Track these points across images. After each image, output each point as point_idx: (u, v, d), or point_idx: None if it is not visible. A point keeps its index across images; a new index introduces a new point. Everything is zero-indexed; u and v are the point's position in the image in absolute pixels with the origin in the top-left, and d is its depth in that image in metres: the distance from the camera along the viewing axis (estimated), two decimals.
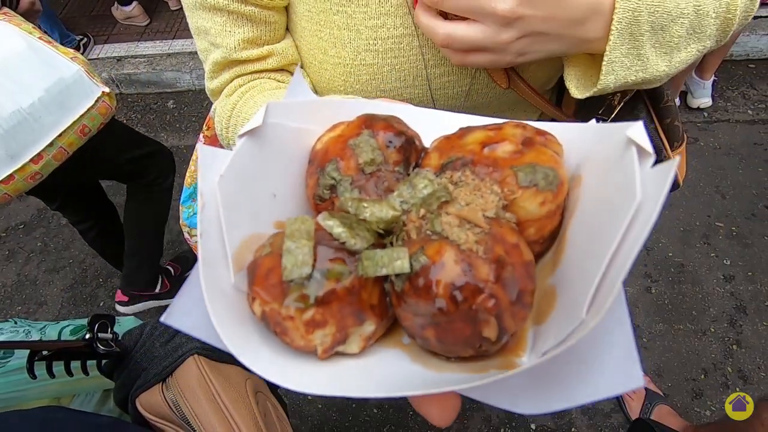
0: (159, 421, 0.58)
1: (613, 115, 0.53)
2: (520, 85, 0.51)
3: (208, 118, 0.74)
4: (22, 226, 2.05)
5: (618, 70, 0.41)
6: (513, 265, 0.23)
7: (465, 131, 0.30)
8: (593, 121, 0.30)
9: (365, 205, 0.27)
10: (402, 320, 0.26)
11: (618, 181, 0.24)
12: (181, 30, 2.57)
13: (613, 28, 0.38)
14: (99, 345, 0.57)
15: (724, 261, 1.73)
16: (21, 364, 0.73)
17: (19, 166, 0.96)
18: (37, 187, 1.04)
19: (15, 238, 2.01)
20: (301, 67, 0.55)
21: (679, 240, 1.80)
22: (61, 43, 2.33)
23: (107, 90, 1.03)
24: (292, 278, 0.24)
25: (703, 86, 2.09)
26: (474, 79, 0.52)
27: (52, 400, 0.75)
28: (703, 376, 1.50)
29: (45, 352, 0.57)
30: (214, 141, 0.74)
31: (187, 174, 0.80)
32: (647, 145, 0.23)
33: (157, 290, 1.66)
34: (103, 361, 0.61)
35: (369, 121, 0.30)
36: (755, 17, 2.20)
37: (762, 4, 2.21)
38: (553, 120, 0.57)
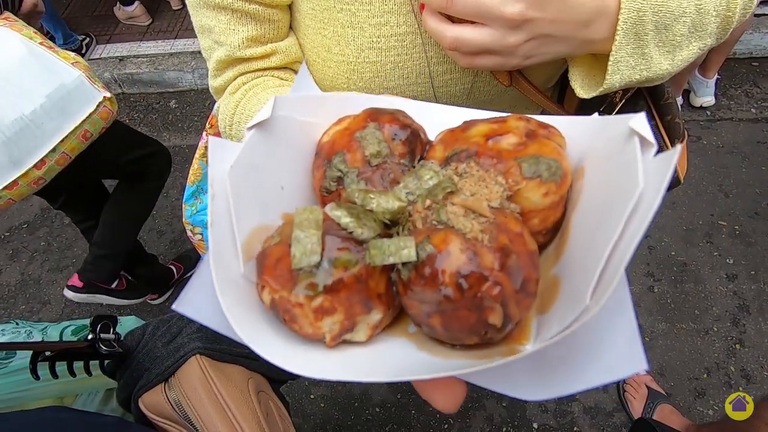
0: (162, 420, 0.58)
1: (614, 113, 0.53)
2: (522, 83, 0.51)
3: (211, 116, 0.74)
4: (25, 225, 2.06)
5: (623, 70, 0.41)
6: (517, 253, 0.24)
7: (469, 124, 0.30)
8: (595, 114, 0.30)
9: (372, 196, 0.28)
10: (408, 308, 0.26)
11: (620, 171, 0.24)
12: (183, 30, 2.58)
13: (618, 28, 0.39)
14: (101, 345, 0.58)
15: (727, 260, 1.73)
16: (23, 365, 0.73)
17: (22, 172, 0.96)
18: None
19: (19, 238, 2.02)
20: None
21: (681, 239, 1.79)
22: (64, 43, 2.36)
23: (108, 95, 1.04)
24: (301, 266, 0.25)
25: (706, 85, 2.09)
26: (476, 77, 0.52)
27: (55, 400, 0.75)
28: (705, 376, 1.50)
29: (48, 353, 0.57)
30: None
31: (191, 173, 0.80)
32: (649, 136, 0.24)
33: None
34: (106, 362, 0.62)
35: (375, 115, 0.31)
36: (759, 15, 2.19)
37: (762, 2, 2.20)
38: None
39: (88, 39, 2.52)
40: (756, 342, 1.55)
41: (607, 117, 0.28)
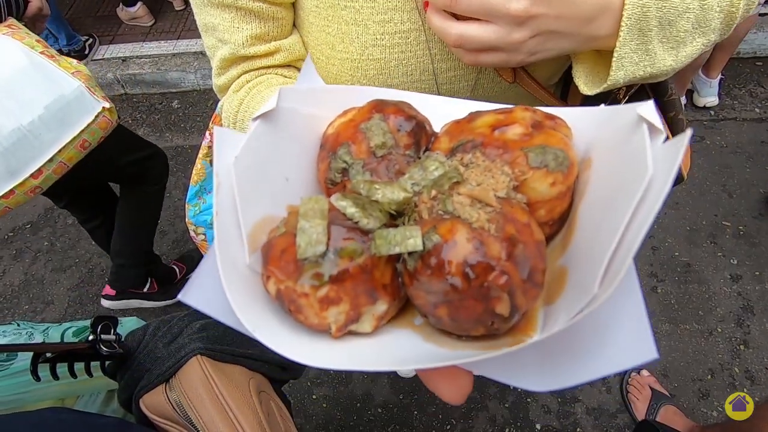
0: (163, 421, 0.58)
1: None
2: (526, 80, 0.51)
3: (214, 115, 0.74)
4: (29, 225, 2.07)
5: (627, 66, 0.41)
6: (524, 243, 0.24)
7: (474, 115, 0.30)
8: (602, 105, 0.30)
9: (377, 187, 0.28)
10: (414, 299, 0.26)
11: (629, 159, 0.24)
12: (186, 30, 2.58)
13: (622, 24, 0.39)
14: (102, 346, 0.58)
15: (731, 260, 1.72)
16: (24, 366, 0.73)
17: (19, 181, 0.97)
18: None
19: (22, 238, 2.03)
20: None
21: (685, 239, 1.79)
22: (68, 44, 2.37)
23: (108, 105, 1.04)
24: (306, 256, 0.25)
25: (710, 85, 2.08)
26: (480, 73, 0.52)
27: (56, 401, 0.76)
28: (709, 377, 1.49)
29: (48, 355, 0.57)
30: None
31: (194, 173, 0.80)
32: (658, 123, 0.24)
33: (145, 290, 1.67)
34: (107, 363, 0.62)
35: (380, 106, 0.31)
36: (763, 14, 2.17)
37: (766, 1, 2.18)
38: None
39: (91, 40, 2.53)
40: (760, 343, 1.54)
41: (614, 107, 0.28)
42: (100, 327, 0.59)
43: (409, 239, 0.24)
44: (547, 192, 0.26)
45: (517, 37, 0.39)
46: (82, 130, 1.01)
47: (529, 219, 0.25)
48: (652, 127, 0.24)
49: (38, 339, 0.83)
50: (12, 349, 0.72)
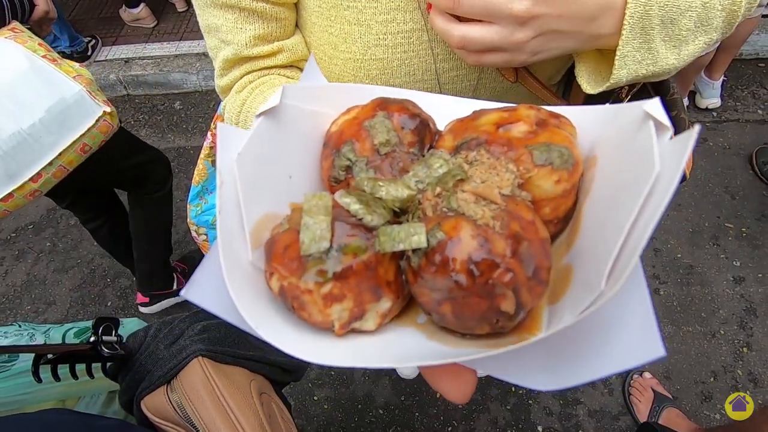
0: (164, 423, 0.58)
1: None
2: (528, 79, 0.51)
3: (216, 115, 0.74)
4: (31, 226, 2.07)
5: (630, 64, 0.41)
6: (529, 241, 0.23)
7: (479, 113, 0.30)
8: (606, 104, 0.30)
9: (381, 184, 0.27)
10: (418, 296, 0.26)
11: (635, 156, 0.24)
12: (188, 32, 2.59)
13: (625, 22, 0.39)
14: (103, 348, 0.58)
15: (734, 262, 1.71)
16: (26, 367, 0.73)
17: (18, 185, 0.97)
18: None
19: (24, 238, 2.03)
20: None
21: (687, 241, 1.78)
22: (70, 45, 2.37)
23: (108, 109, 1.04)
24: (310, 253, 0.25)
25: (712, 86, 2.07)
26: (482, 73, 0.52)
27: (58, 402, 0.76)
28: (712, 379, 1.48)
29: (50, 356, 0.57)
30: None
31: (195, 173, 0.80)
32: (665, 119, 0.23)
33: (174, 287, 1.70)
34: (108, 364, 0.61)
35: (384, 104, 0.31)
36: (765, 16, 2.17)
37: None
38: None
39: (93, 41, 2.53)
40: (763, 345, 1.53)
41: (618, 105, 0.28)
42: (101, 328, 0.59)
43: (413, 236, 0.24)
44: (552, 190, 0.26)
45: (519, 37, 0.39)
46: (83, 134, 1.01)
47: (533, 216, 0.25)
48: (658, 124, 0.24)
49: (39, 340, 0.83)
50: (14, 350, 0.72)
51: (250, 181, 0.28)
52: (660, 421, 1.35)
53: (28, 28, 1.09)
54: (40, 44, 1.01)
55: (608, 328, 0.22)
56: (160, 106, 2.48)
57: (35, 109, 0.95)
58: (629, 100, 0.53)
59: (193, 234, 0.83)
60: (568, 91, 0.61)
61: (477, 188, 0.25)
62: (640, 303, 0.22)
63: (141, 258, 1.58)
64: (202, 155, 0.79)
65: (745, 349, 1.53)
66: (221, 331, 0.62)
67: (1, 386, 0.71)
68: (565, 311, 0.23)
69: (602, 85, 0.44)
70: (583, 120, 0.29)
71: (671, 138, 0.23)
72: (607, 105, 0.29)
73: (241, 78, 0.54)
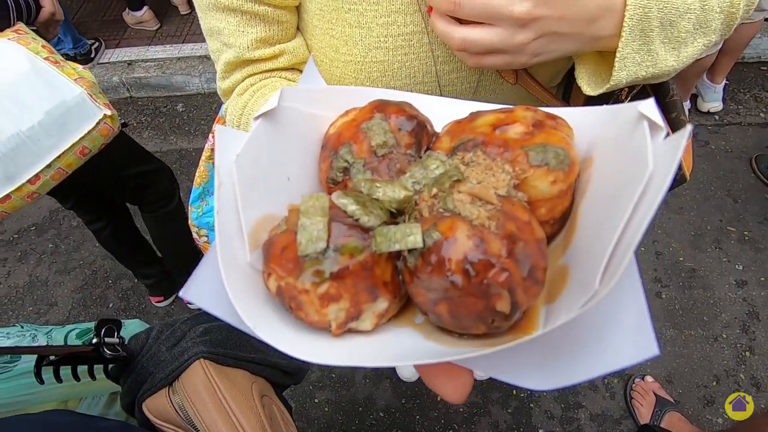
0: (165, 425, 0.58)
1: None
2: (528, 81, 0.51)
3: (218, 117, 0.75)
4: (33, 227, 2.08)
5: (630, 66, 0.41)
6: (525, 241, 0.24)
7: (475, 115, 0.30)
8: (603, 105, 0.30)
9: (378, 185, 0.28)
10: (415, 296, 0.26)
11: (630, 156, 0.24)
12: (191, 34, 2.60)
13: (625, 24, 0.39)
14: (106, 350, 0.58)
15: (736, 266, 1.71)
16: (28, 368, 0.73)
17: (15, 186, 0.97)
18: None
19: (27, 240, 2.04)
20: None
21: (690, 244, 1.78)
22: (73, 47, 2.38)
23: (109, 113, 1.04)
24: (307, 253, 0.25)
25: (714, 90, 2.07)
26: (482, 75, 0.52)
27: (60, 403, 0.76)
28: (714, 383, 1.48)
29: (52, 357, 0.57)
30: None
31: (197, 174, 0.80)
32: (659, 120, 0.24)
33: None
34: (110, 366, 0.62)
35: (381, 106, 0.31)
36: (767, 19, 2.17)
37: None
38: None
39: (97, 44, 2.55)
40: (766, 349, 1.52)
41: (614, 106, 0.28)
42: (103, 330, 0.59)
43: (409, 236, 0.24)
44: (548, 190, 0.26)
45: (520, 39, 0.39)
46: (82, 137, 1.01)
47: (529, 217, 0.25)
48: (652, 124, 0.24)
49: (42, 341, 0.83)
50: (16, 351, 0.72)
51: (249, 182, 0.28)
52: (662, 425, 1.35)
53: (34, 30, 1.10)
54: (43, 46, 1.01)
55: (603, 327, 0.22)
56: (163, 109, 2.49)
57: (35, 111, 0.95)
58: (629, 102, 0.54)
59: (194, 236, 0.83)
60: (568, 92, 0.61)
61: (473, 189, 0.25)
62: (635, 302, 0.22)
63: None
64: (203, 157, 0.80)
65: (747, 353, 1.52)
66: (223, 334, 0.62)
67: (4, 387, 0.72)
68: (561, 311, 0.24)
69: (602, 86, 0.44)
70: (580, 121, 0.29)
71: (665, 138, 0.23)
72: (604, 106, 0.29)
73: (242, 81, 0.54)
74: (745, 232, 1.79)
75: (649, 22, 0.39)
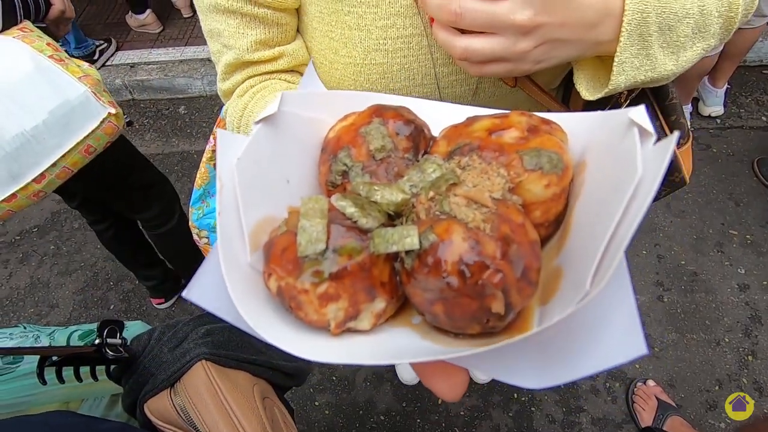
0: (167, 426, 0.58)
1: None
2: (528, 84, 0.51)
3: (218, 119, 0.75)
4: (35, 229, 2.08)
5: (628, 71, 0.42)
6: (519, 243, 0.24)
7: (472, 120, 0.31)
8: (597, 110, 0.31)
9: (376, 188, 0.28)
10: (412, 297, 0.27)
11: (620, 161, 0.25)
12: (193, 37, 2.61)
13: (623, 29, 0.39)
14: (108, 350, 0.58)
15: (739, 270, 1.70)
16: (31, 369, 0.73)
17: (21, 185, 0.97)
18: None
19: (29, 241, 2.04)
20: None
21: (691, 248, 1.77)
22: (76, 47, 2.38)
23: (114, 111, 1.04)
24: (306, 254, 0.25)
25: (716, 94, 2.07)
26: (482, 78, 0.52)
27: (61, 404, 0.76)
28: (717, 388, 1.47)
29: (55, 358, 0.57)
30: None
31: (197, 176, 0.81)
32: (648, 126, 0.24)
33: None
34: (112, 367, 0.62)
35: (379, 111, 0.32)
36: None
37: None
38: None
39: (104, 44, 2.56)
40: None
41: (607, 112, 0.29)
42: (106, 331, 0.59)
43: (406, 238, 0.25)
44: (542, 193, 0.27)
45: (522, 47, 0.39)
46: (87, 136, 1.01)
47: (524, 219, 0.26)
48: (642, 131, 0.25)
49: (44, 342, 0.83)
50: (19, 352, 0.72)
51: (249, 185, 0.29)
52: (664, 430, 1.34)
53: (43, 28, 1.09)
54: (48, 44, 1.01)
55: (594, 327, 0.23)
56: (165, 111, 2.50)
57: (39, 110, 0.95)
58: (628, 105, 0.54)
59: (195, 237, 0.84)
60: (567, 95, 0.61)
61: (468, 192, 0.26)
62: (625, 302, 0.22)
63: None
64: (204, 159, 0.80)
65: (750, 357, 1.52)
66: (225, 335, 0.62)
67: (6, 388, 0.72)
68: (554, 312, 0.24)
69: (601, 91, 0.44)
70: (575, 126, 0.30)
71: (655, 144, 0.24)
72: (598, 112, 0.30)
73: (242, 82, 0.54)
74: (747, 236, 1.78)
75: (648, 27, 0.40)
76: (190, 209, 0.83)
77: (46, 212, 2.12)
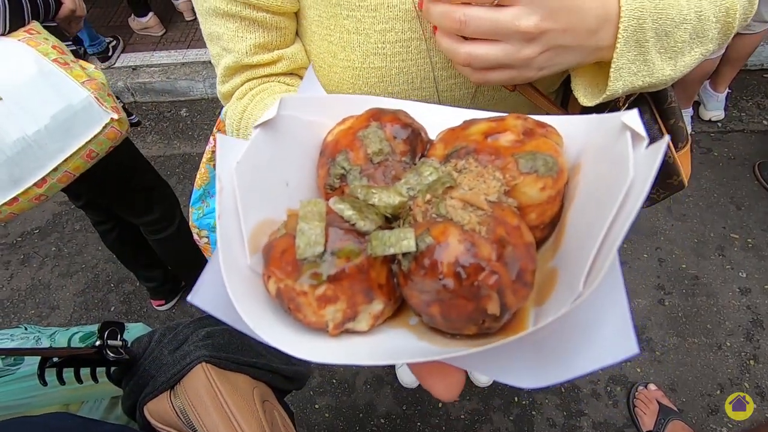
0: (166, 428, 0.58)
1: None
2: (526, 88, 0.52)
3: (218, 121, 0.75)
4: (37, 231, 2.09)
5: (625, 76, 0.42)
6: (514, 245, 0.25)
7: (469, 123, 0.31)
8: (592, 114, 0.31)
9: (374, 191, 0.29)
10: (409, 298, 0.27)
11: (614, 164, 0.25)
12: (195, 40, 2.62)
13: (619, 35, 0.39)
14: (109, 352, 0.58)
15: (740, 273, 1.70)
16: (31, 371, 0.73)
17: (22, 189, 0.97)
18: None
19: (30, 243, 2.05)
20: None
21: (693, 251, 1.77)
22: (90, 45, 2.39)
23: (116, 116, 1.03)
24: (305, 257, 0.26)
25: (717, 99, 2.07)
26: None
27: (61, 406, 0.76)
28: (719, 392, 1.46)
29: (55, 359, 0.57)
30: None
31: (198, 176, 0.81)
32: (641, 129, 0.25)
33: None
34: (113, 369, 0.62)
35: (377, 114, 0.32)
36: None
37: None
38: None
39: (114, 41, 2.58)
40: None
41: (602, 115, 0.29)
42: (107, 332, 0.59)
43: (403, 240, 0.25)
44: (537, 196, 0.27)
45: (527, 53, 0.39)
46: (89, 141, 1.01)
47: (519, 222, 0.26)
48: (635, 134, 0.25)
49: (45, 344, 0.83)
50: (20, 353, 0.72)
51: (249, 188, 0.29)
52: None
53: (55, 26, 1.09)
54: (54, 47, 1.01)
55: (587, 327, 0.23)
56: (167, 113, 2.51)
57: (41, 115, 0.95)
58: (626, 109, 0.54)
59: (195, 237, 0.84)
60: (566, 98, 0.61)
61: (464, 195, 0.26)
62: (617, 303, 0.23)
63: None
64: (204, 159, 0.80)
65: (752, 362, 1.51)
66: (225, 338, 0.62)
67: (7, 390, 0.72)
68: (550, 312, 0.24)
69: (598, 97, 0.44)
70: (571, 129, 0.30)
71: (647, 147, 0.24)
72: (593, 115, 0.30)
73: (242, 85, 0.54)
74: (749, 240, 1.78)
75: (644, 32, 0.40)
76: (190, 209, 0.83)
77: (48, 214, 2.13)
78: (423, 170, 0.29)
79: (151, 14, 2.61)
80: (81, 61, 1.04)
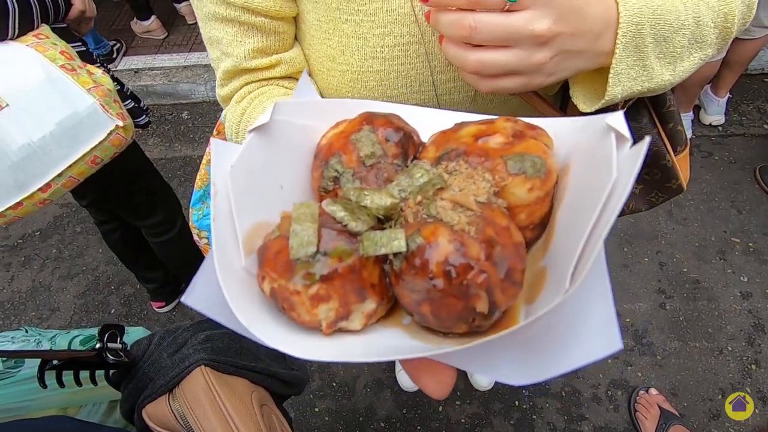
0: None
1: None
2: (527, 91, 0.51)
3: (218, 123, 0.76)
4: (38, 233, 2.09)
5: (624, 82, 0.42)
6: (503, 245, 0.25)
7: (460, 126, 0.31)
8: (581, 116, 0.32)
9: (366, 193, 0.29)
10: (400, 298, 0.28)
11: (599, 164, 0.26)
12: (197, 43, 2.64)
13: (618, 41, 0.40)
14: (108, 355, 0.58)
15: (741, 277, 1.69)
16: (31, 374, 0.73)
17: (27, 194, 0.98)
18: None
19: (31, 245, 2.05)
20: (309, 74, 0.56)
21: (694, 255, 1.77)
22: (95, 48, 2.41)
23: (122, 123, 1.04)
24: (298, 257, 0.26)
25: (718, 103, 2.08)
26: None
27: (60, 410, 0.76)
28: (720, 396, 1.46)
29: (55, 362, 0.57)
30: None
31: (198, 177, 0.81)
32: (625, 131, 0.26)
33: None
34: (112, 372, 0.62)
35: (370, 118, 0.33)
36: None
37: None
38: None
39: (118, 44, 2.61)
40: None
41: (589, 117, 0.30)
42: (107, 335, 0.59)
43: (394, 241, 0.25)
44: (526, 197, 0.28)
45: (538, 58, 0.38)
46: (94, 147, 1.01)
47: (508, 222, 0.27)
48: (619, 135, 0.26)
49: (45, 346, 0.83)
50: (20, 355, 0.72)
51: (242, 192, 0.30)
52: None
53: (64, 27, 1.10)
54: (61, 52, 1.01)
55: (573, 323, 0.23)
56: (168, 116, 2.52)
57: (47, 121, 0.96)
58: (624, 113, 0.54)
59: (195, 238, 0.84)
60: (565, 102, 0.61)
61: (454, 196, 0.27)
62: (602, 300, 0.23)
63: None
64: (204, 161, 0.81)
65: (753, 366, 1.51)
66: (224, 341, 0.62)
67: (6, 392, 0.72)
68: (539, 310, 0.25)
69: (597, 102, 0.44)
70: (561, 130, 0.31)
71: (631, 147, 0.25)
72: (582, 117, 0.31)
73: (240, 88, 0.55)
74: (750, 244, 1.78)
75: (642, 38, 0.40)
76: (190, 210, 0.83)
77: (49, 216, 2.13)
78: (414, 172, 0.29)
79: (153, 18, 2.63)
80: (88, 66, 1.05)
